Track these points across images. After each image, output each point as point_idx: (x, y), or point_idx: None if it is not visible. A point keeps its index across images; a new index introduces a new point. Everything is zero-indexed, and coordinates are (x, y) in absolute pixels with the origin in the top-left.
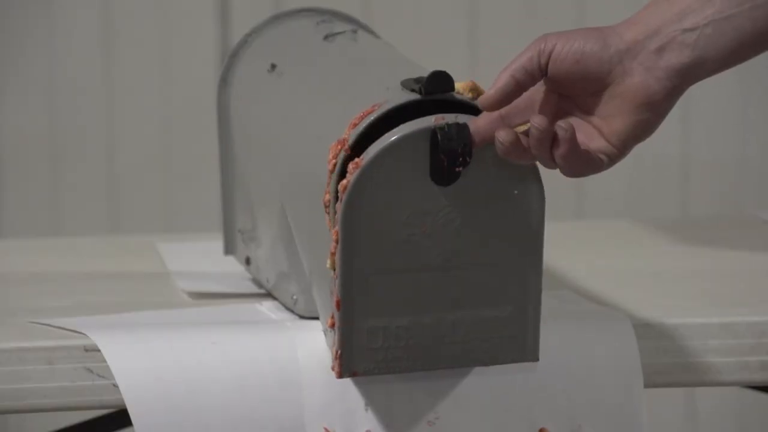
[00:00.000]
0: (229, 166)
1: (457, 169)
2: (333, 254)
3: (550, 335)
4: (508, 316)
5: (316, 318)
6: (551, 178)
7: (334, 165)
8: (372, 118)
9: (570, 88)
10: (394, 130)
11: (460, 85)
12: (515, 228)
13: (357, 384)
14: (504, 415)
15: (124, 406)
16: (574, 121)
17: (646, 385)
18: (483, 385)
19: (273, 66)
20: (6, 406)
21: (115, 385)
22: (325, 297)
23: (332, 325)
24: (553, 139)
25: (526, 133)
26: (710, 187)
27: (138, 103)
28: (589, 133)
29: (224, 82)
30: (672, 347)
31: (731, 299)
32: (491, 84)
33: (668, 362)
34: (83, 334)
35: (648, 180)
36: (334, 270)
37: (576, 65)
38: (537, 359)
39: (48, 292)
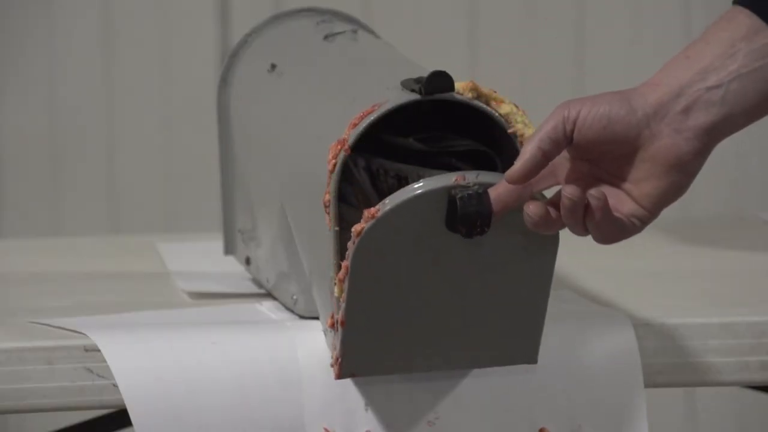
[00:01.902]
0: (229, 166)
1: (473, 237)
2: (341, 281)
3: (550, 335)
4: (512, 327)
5: (316, 318)
6: None
7: (334, 165)
8: (372, 118)
9: (595, 153)
10: (414, 186)
11: (460, 85)
12: (527, 273)
13: (357, 384)
14: (504, 415)
15: (124, 406)
16: (603, 186)
17: (646, 385)
18: (483, 385)
19: (273, 66)
20: (6, 406)
21: (115, 385)
22: (325, 297)
23: (332, 325)
24: (585, 208)
25: (553, 202)
26: (711, 188)
27: (138, 103)
28: (619, 197)
29: (224, 82)
30: (672, 347)
31: (731, 299)
32: (517, 158)
33: (668, 362)
34: (83, 334)
35: None
36: (341, 294)
37: (603, 131)
38: (535, 362)
39: (48, 292)
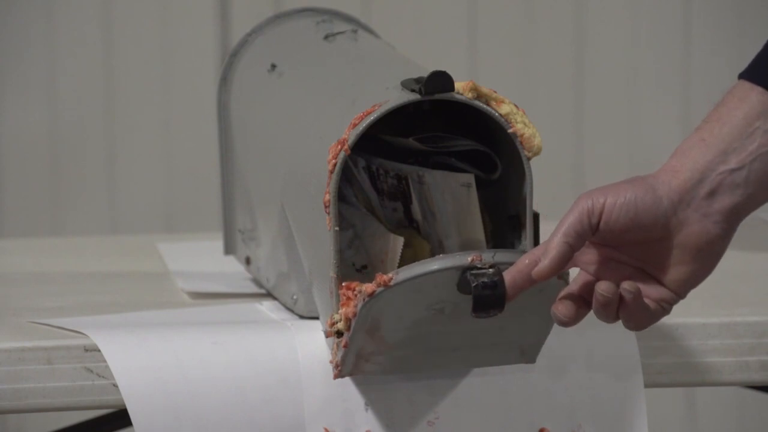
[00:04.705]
0: (229, 166)
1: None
2: (348, 319)
3: (550, 336)
4: (514, 340)
5: (316, 318)
6: (551, 176)
7: (334, 165)
8: (372, 118)
9: (620, 241)
10: (429, 262)
11: (460, 85)
12: (536, 316)
13: (357, 384)
14: (504, 415)
15: (124, 406)
16: (629, 272)
17: (646, 385)
18: (483, 385)
19: (273, 66)
20: (6, 406)
21: (115, 385)
22: (325, 297)
23: (332, 326)
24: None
25: (580, 296)
26: None
27: (138, 103)
28: (646, 282)
29: (224, 81)
30: (672, 347)
31: (731, 299)
32: (544, 254)
33: (668, 362)
34: (83, 334)
35: None
36: (347, 330)
37: (631, 222)
38: (534, 362)
39: (48, 292)
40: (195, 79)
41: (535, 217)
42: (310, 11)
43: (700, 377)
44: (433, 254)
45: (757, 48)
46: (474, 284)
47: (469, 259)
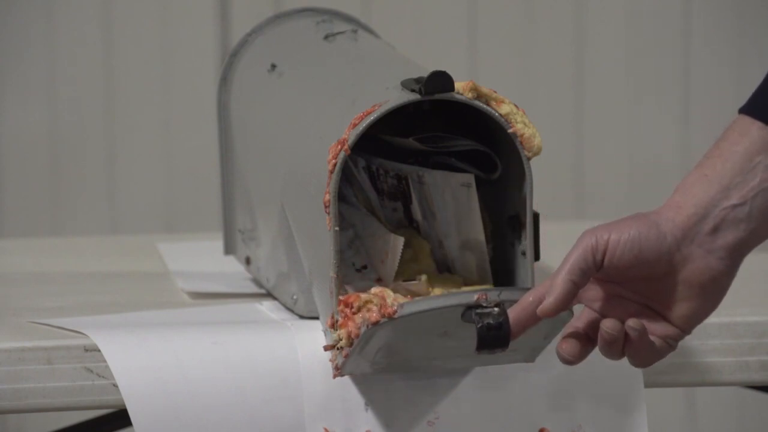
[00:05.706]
0: (229, 166)
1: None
2: (351, 338)
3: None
4: (517, 345)
5: (316, 318)
6: (551, 177)
7: (334, 165)
8: (372, 118)
9: (624, 277)
10: (434, 299)
11: (460, 85)
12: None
13: (357, 384)
14: (504, 415)
15: (124, 406)
16: (634, 308)
17: (646, 385)
18: (483, 385)
19: (273, 66)
20: (6, 406)
21: (115, 385)
22: (325, 297)
23: (332, 325)
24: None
25: (584, 334)
26: None
27: (138, 103)
28: (651, 319)
29: (224, 81)
30: None
31: (731, 299)
32: (549, 291)
33: (668, 362)
34: (83, 334)
35: (648, 180)
36: (348, 345)
37: (635, 259)
38: (533, 361)
39: (48, 292)
40: (195, 79)
41: (535, 217)
42: (310, 11)
43: (700, 377)
44: (433, 254)
45: (758, 49)
46: (479, 325)
47: (475, 297)
